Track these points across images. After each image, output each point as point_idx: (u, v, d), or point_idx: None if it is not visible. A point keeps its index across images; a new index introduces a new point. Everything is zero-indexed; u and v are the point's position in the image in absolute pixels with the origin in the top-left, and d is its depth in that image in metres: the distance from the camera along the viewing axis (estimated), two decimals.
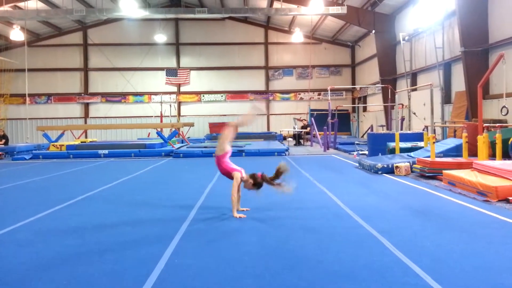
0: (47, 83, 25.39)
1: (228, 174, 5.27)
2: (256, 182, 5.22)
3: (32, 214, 5.40)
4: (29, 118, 22.53)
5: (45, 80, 25.32)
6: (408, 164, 8.69)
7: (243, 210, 5.36)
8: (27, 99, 21.96)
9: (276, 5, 20.13)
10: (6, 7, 18.25)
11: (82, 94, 25.59)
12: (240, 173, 5.21)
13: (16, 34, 20.48)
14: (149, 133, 23.41)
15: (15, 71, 23.99)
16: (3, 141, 19.00)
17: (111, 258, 3.61)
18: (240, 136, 21.36)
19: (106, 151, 14.68)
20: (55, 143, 15.79)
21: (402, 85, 18.25)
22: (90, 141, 18.72)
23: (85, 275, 3.21)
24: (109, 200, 6.46)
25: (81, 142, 17.71)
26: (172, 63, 25.91)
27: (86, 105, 25.75)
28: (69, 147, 15.42)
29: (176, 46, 25.87)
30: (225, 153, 5.32)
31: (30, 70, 21.77)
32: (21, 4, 19.17)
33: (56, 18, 20.47)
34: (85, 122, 25.44)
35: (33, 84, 23.58)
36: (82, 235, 4.39)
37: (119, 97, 25.68)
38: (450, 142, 9.96)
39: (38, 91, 25.10)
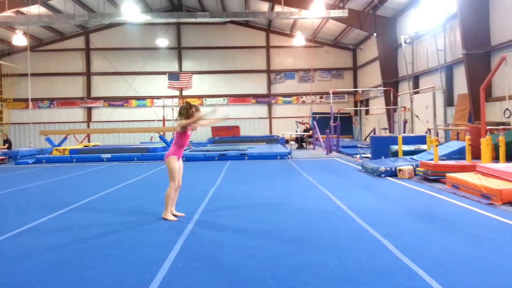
0: (50, 87, 25.49)
1: (179, 136, 5.22)
2: (189, 110, 5.14)
3: (35, 218, 5.41)
4: (32, 123, 22.63)
5: (48, 84, 25.43)
6: (411, 167, 8.66)
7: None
8: (30, 103, 22.03)
9: (278, 8, 20.19)
10: (9, 12, 18.36)
11: (85, 99, 25.68)
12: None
13: (19, 39, 20.60)
14: (151, 137, 23.45)
15: (17, 75, 24.13)
16: (6, 145, 19.06)
17: (115, 262, 3.61)
18: (243, 140, 21.39)
19: (109, 155, 14.71)
20: (58, 147, 15.83)
21: (404, 88, 18.24)
22: (93, 145, 18.76)
23: (89, 279, 3.20)
24: (112, 204, 6.46)
25: (84, 146, 17.75)
26: (174, 67, 25.98)
27: (89, 110, 25.83)
28: (72, 151, 15.46)
29: (178, 50, 25.95)
30: (182, 133, 5.20)
31: (32, 74, 21.86)
32: (23, 9, 19.28)
33: (58, 23, 20.58)
34: (88, 126, 25.50)
35: (36, 89, 23.69)
36: (85, 239, 4.38)
37: (122, 101, 25.76)
38: (453, 145, 9.93)
39: (41, 96, 25.21)
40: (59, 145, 16.53)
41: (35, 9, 19.11)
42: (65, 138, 17.52)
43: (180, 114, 5.27)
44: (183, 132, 5.20)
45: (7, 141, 19.51)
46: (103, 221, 5.21)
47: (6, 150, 17.68)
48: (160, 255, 3.73)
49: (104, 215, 5.59)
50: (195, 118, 5.14)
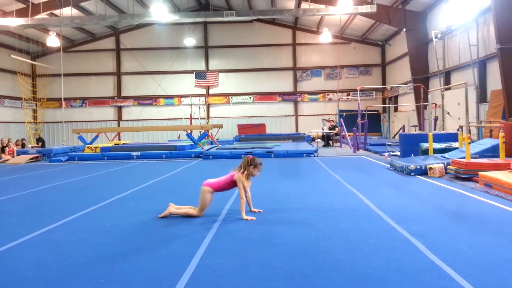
0: (82, 87, 26.24)
1: (230, 184, 5.24)
2: (250, 164, 5.18)
3: (68, 214, 5.60)
4: (65, 121, 23.34)
5: (80, 84, 26.19)
6: (442, 165, 8.46)
7: (255, 212, 5.34)
8: (63, 103, 22.75)
9: (304, 5, 20.06)
10: (43, 15, 19.00)
11: (115, 98, 26.30)
12: (237, 174, 5.19)
13: (52, 41, 21.30)
14: (179, 135, 23.79)
15: (51, 76, 24.99)
16: (40, 144, 19.78)
17: (146, 257, 3.70)
18: (269, 138, 21.40)
19: (138, 153, 15.04)
20: (90, 145, 16.29)
21: (435, 84, 17.79)
22: (123, 143, 19.21)
23: (121, 273, 3.30)
24: (143, 200, 6.61)
25: (115, 144, 18.20)
26: (201, 66, 26.24)
27: (119, 108, 26.45)
28: (103, 149, 15.89)
29: (205, 49, 26.19)
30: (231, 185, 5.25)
31: (65, 75, 22.55)
32: (56, 12, 19.91)
33: (89, 24, 21.17)
34: (118, 125, 26.12)
35: (68, 89, 24.42)
36: (117, 235, 4.51)
37: (151, 100, 26.24)
38: (486, 143, 9.63)
39: (73, 95, 25.99)
40: (91, 143, 17.01)
41: (68, 11, 19.70)
42: (96, 136, 18.01)
43: (240, 166, 5.26)
44: (231, 185, 5.24)
45: (40, 140, 20.25)
46: (133, 218, 5.33)
47: (40, 148, 18.35)
48: (188, 251, 3.80)
49: (134, 212, 5.72)
50: (251, 175, 5.22)
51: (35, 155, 15.96)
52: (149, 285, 3.05)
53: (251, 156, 5.33)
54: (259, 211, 5.36)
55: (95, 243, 4.22)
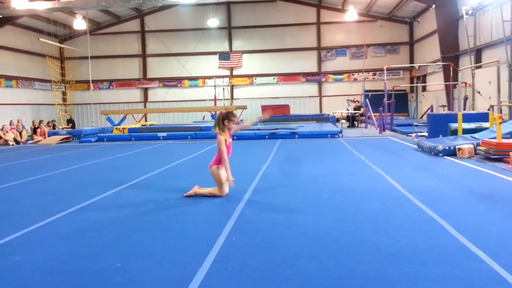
0: (109, 69, 26.65)
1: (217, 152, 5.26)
2: (223, 119, 5.18)
3: (98, 193, 5.78)
4: (93, 103, 23.86)
5: (107, 66, 26.59)
6: (472, 146, 8.24)
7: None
8: (91, 85, 23.22)
9: None
10: None
11: (141, 80, 26.63)
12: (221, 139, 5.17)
13: (79, 23, 21.62)
14: (204, 116, 23.97)
15: (79, 58, 25.45)
16: (70, 125, 20.34)
17: (173, 235, 3.80)
18: (293, 119, 21.29)
19: (164, 134, 15.27)
20: (118, 127, 16.63)
21: (465, 63, 17.19)
22: (150, 124, 19.53)
23: (150, 251, 3.40)
24: (170, 180, 6.74)
25: (142, 125, 18.52)
26: (225, 47, 26.15)
27: (145, 90, 26.79)
28: (130, 130, 16.20)
29: (228, 30, 26.03)
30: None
31: (92, 57, 22.95)
32: None
33: (114, 6, 21.29)
34: (145, 106, 26.51)
35: (96, 71, 24.87)
36: (144, 213, 4.64)
37: (175, 81, 26.44)
38: None
39: (101, 77, 26.45)
40: (119, 124, 17.37)
41: None
42: (124, 118, 18.36)
43: (214, 126, 5.30)
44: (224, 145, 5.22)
45: (70, 121, 20.82)
46: (161, 197, 5.46)
47: (71, 129, 18.86)
48: (215, 230, 3.88)
49: (162, 191, 5.85)
50: (229, 129, 5.22)
51: (66, 136, 16.43)
52: (177, 261, 3.14)
53: (223, 111, 5.32)
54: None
55: (124, 221, 4.36)
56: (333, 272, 2.85)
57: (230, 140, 5.31)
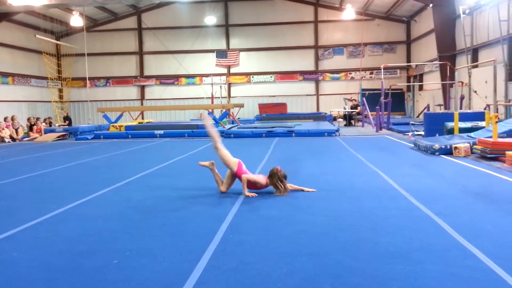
0: (106, 66, 26.54)
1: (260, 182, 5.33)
2: (282, 178, 5.24)
3: (95, 190, 5.77)
4: (90, 101, 23.75)
5: (104, 63, 26.48)
6: (468, 145, 8.28)
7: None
8: (88, 82, 23.12)
9: None
10: None
11: (138, 77, 26.53)
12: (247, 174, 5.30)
13: (76, 20, 21.50)
14: (200, 114, 23.91)
15: (75, 55, 25.34)
16: (67, 122, 20.28)
17: (171, 232, 3.80)
18: (290, 117, 21.32)
19: (161, 131, 15.26)
20: (115, 124, 16.60)
21: (462, 62, 17.24)
22: (147, 122, 19.49)
23: (147, 247, 3.40)
24: (166, 177, 6.74)
25: (138, 123, 18.49)
26: (222, 45, 26.10)
27: (142, 88, 26.71)
28: (127, 127, 16.17)
29: (226, 27, 25.98)
30: (237, 166, 5.34)
31: (89, 54, 22.84)
32: None
33: (111, 3, 21.21)
34: (141, 104, 26.43)
35: (92, 68, 24.74)
36: (142, 210, 4.64)
37: (172, 79, 26.38)
38: None
39: (98, 75, 26.33)
40: (116, 121, 17.32)
41: None
42: (121, 115, 18.31)
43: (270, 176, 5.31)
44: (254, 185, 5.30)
45: (67, 118, 20.76)
46: (158, 194, 5.46)
47: (67, 126, 18.81)
48: (212, 226, 3.88)
49: (159, 188, 5.85)
50: (279, 188, 5.23)
51: (62, 133, 16.38)
52: (174, 258, 3.14)
53: (279, 169, 5.31)
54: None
55: (121, 218, 4.36)
56: (331, 269, 2.86)
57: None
